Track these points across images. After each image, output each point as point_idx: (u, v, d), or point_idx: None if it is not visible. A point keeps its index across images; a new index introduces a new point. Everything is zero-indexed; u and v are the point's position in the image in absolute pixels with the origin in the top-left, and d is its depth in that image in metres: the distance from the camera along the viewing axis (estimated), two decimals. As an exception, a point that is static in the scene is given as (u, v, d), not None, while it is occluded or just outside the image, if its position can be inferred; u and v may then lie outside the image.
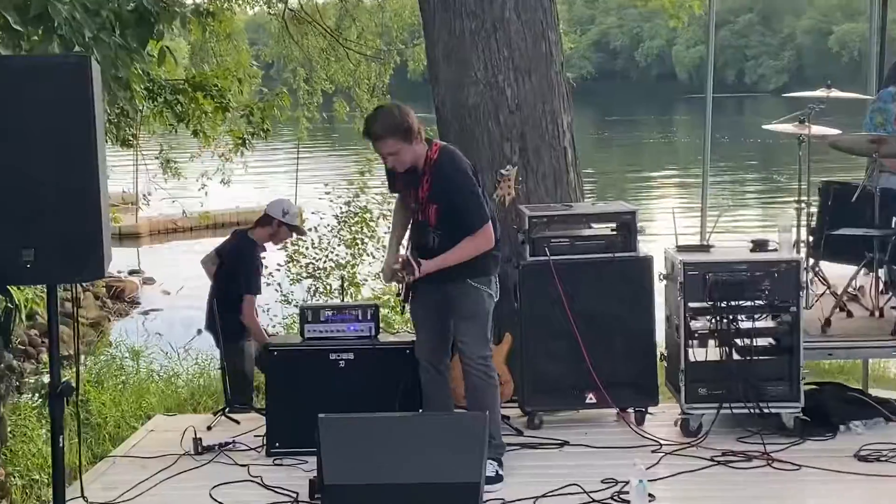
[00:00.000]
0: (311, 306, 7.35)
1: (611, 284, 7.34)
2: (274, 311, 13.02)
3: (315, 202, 15.52)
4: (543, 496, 6.18)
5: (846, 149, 8.39)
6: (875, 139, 7.87)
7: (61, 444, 5.20)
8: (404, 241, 6.67)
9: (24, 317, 10.34)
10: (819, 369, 9.89)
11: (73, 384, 5.27)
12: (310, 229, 13.11)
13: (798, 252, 7.99)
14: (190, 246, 25.35)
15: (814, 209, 8.47)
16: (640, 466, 5.96)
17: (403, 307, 6.57)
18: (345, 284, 12.91)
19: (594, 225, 7.84)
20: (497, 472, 6.39)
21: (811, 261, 8.22)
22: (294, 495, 6.30)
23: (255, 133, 13.69)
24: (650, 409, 7.48)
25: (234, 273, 8.29)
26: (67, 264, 4.97)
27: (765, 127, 8.98)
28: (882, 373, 10.91)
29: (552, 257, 7.28)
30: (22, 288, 8.78)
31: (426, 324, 6.63)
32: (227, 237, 8.83)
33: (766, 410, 7.04)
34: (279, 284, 13.50)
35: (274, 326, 12.73)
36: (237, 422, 7.73)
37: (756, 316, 7.15)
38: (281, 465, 6.86)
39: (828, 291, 8.14)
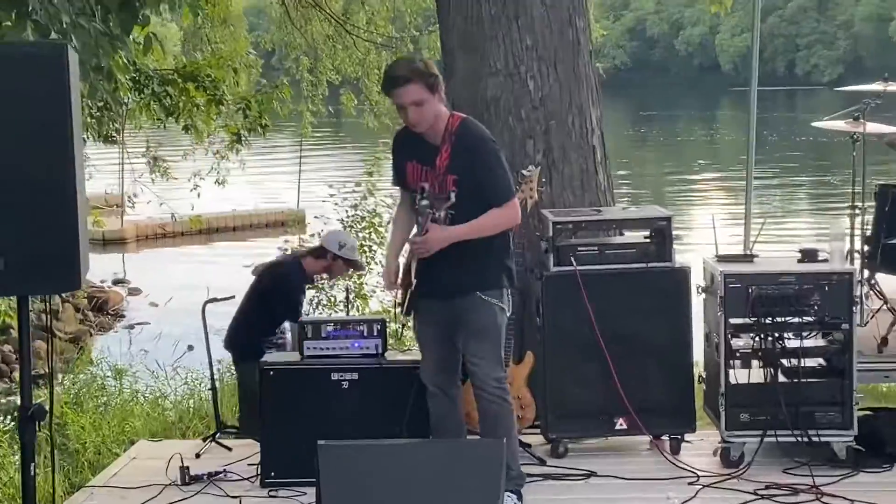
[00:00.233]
0: (311, 321, 7.32)
1: (643, 298, 7.32)
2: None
3: (318, 205, 15.54)
4: (567, 533, 6.18)
5: (906, 148, 8.37)
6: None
7: (33, 473, 5.20)
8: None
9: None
10: (874, 393, 9.83)
11: (47, 406, 5.27)
12: (312, 235, 13.12)
13: (852, 263, 7.96)
14: (180, 253, 25.48)
15: (869, 216, 8.44)
16: (675, 500, 5.95)
17: (409, 312, 6.49)
18: (350, 296, 12.91)
19: (625, 232, 7.83)
20: (516, 505, 6.37)
21: (866, 273, 8.20)
22: (290, 530, 6.30)
23: (251, 129, 13.71)
24: (687, 437, 7.46)
25: (271, 297, 8.39)
26: (40, 274, 4.96)
27: (815, 124, 8.95)
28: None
29: (579, 267, 7.26)
30: (-8, 299, 8.81)
31: (432, 343, 6.57)
32: (279, 257, 8.88)
33: (815, 439, 7.01)
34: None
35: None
36: (229, 448, 7.74)
37: (804, 334, 7.11)
38: (276, 496, 6.85)
39: (884, 307, 8.11)
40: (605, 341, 7.19)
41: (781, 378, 7.09)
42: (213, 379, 8.43)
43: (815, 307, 7.04)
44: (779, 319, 7.04)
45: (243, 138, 13.93)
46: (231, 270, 17.75)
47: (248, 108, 13.29)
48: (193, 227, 23.48)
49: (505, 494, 5.54)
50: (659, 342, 7.34)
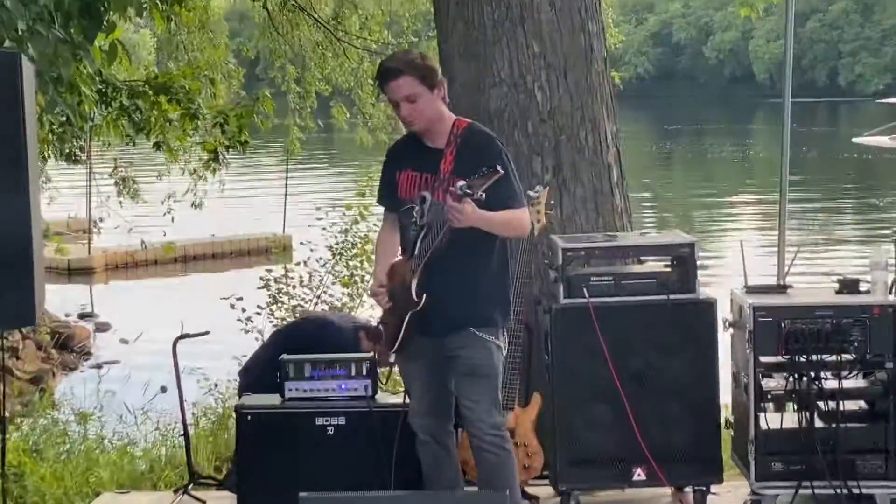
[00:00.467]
0: (293, 359, 7.30)
1: (664, 333, 7.31)
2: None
3: (305, 231, 15.57)
4: None
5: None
6: None
7: (-16, 529, 5.20)
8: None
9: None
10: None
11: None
12: (298, 263, 13.14)
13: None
14: (153, 283, 25.50)
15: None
16: (699, 559, 5.93)
17: (402, 349, 6.43)
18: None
19: (644, 260, 7.82)
20: (520, 565, 6.36)
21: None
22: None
23: (230, 146, 13.72)
24: (713, 489, 7.42)
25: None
26: (-11, 308, 4.97)
27: (856, 140, 8.96)
28: None
29: (592, 299, 7.25)
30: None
31: (420, 384, 6.52)
32: (317, 317, 8.82)
33: (855, 490, 6.99)
34: (260, 332, 13.50)
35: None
36: (203, 502, 7.72)
37: (844, 373, 7.11)
38: (254, 555, 6.84)
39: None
40: (622, 381, 7.17)
41: (818, 423, 7.08)
42: (185, 424, 8.41)
43: (856, 344, 7.03)
44: (815, 357, 7.03)
45: (221, 157, 13.92)
46: (209, 303, 17.74)
47: (227, 123, 13.29)
48: (168, 254, 23.51)
49: (508, 553, 5.51)
50: (681, 382, 7.31)
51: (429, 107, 6.28)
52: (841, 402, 7.09)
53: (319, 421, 7.02)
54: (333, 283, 14.04)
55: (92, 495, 9.25)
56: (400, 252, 6.49)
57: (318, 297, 13.92)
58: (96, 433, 11.69)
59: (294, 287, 13.90)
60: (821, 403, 7.10)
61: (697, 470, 7.38)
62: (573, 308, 7.28)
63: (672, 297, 7.33)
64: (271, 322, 13.78)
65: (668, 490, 7.44)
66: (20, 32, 6.78)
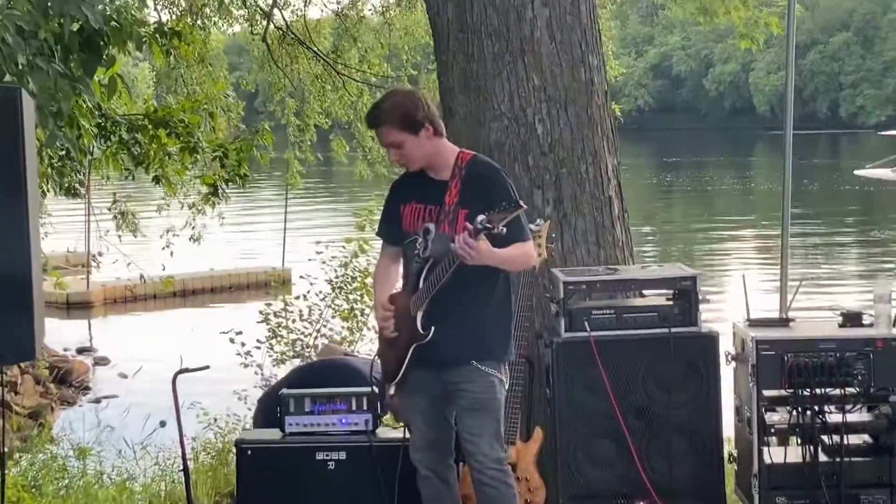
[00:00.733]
0: (293, 394, 7.30)
1: (666, 367, 7.29)
2: (252, 397, 13.01)
3: (304, 264, 15.57)
4: None
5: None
6: None
7: (-19, 566, 5.19)
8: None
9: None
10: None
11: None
12: (297, 297, 13.14)
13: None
14: (153, 317, 25.49)
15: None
16: None
17: (403, 382, 6.41)
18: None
19: (646, 293, 7.82)
20: None
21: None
22: None
23: (230, 179, 13.72)
24: (716, 524, 7.42)
25: None
26: (-10, 343, 4.97)
27: (858, 172, 8.97)
28: None
29: (593, 333, 7.25)
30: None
31: (421, 418, 6.52)
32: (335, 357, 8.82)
33: (860, 525, 6.97)
34: (259, 366, 13.51)
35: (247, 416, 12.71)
36: (202, 537, 7.71)
37: (848, 407, 7.09)
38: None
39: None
40: (623, 415, 7.17)
41: (822, 457, 7.05)
42: (184, 458, 8.38)
43: (860, 377, 7.01)
44: (818, 391, 7.01)
45: (221, 191, 13.92)
46: (208, 337, 17.73)
47: (226, 157, 13.29)
48: (167, 288, 23.47)
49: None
50: (683, 416, 7.31)
51: (416, 150, 6.30)
52: (845, 436, 7.06)
53: (320, 455, 7.01)
54: (333, 317, 14.03)
55: (91, 531, 9.24)
56: (401, 284, 6.49)
57: (318, 330, 13.90)
58: (95, 468, 11.67)
59: (294, 321, 13.88)
60: (825, 437, 7.07)
61: (700, 505, 7.38)
62: (575, 342, 7.27)
63: (674, 330, 7.34)
64: (270, 356, 13.78)
65: (670, 525, 7.42)
66: (20, 67, 6.80)
